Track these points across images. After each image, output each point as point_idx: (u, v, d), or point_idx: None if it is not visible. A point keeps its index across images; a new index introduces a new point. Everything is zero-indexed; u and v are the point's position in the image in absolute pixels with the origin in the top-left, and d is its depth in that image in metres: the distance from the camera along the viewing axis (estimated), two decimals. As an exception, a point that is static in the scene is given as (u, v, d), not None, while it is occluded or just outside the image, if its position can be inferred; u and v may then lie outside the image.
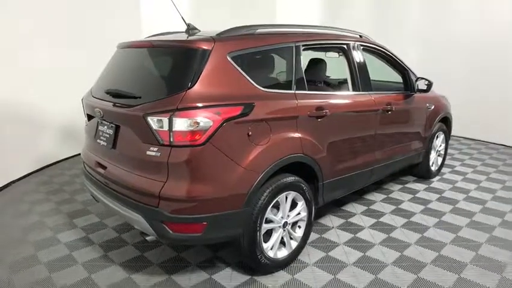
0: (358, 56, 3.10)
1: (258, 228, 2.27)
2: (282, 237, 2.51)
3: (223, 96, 2.13)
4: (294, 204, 2.54)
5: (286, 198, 2.46)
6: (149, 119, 2.04)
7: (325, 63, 3.25)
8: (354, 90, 3.05)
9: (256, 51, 2.41)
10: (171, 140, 2.01)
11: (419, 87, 3.67)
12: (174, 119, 1.99)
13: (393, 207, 3.55)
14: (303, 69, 2.64)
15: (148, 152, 2.09)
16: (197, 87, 2.07)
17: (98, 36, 4.72)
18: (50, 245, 2.84)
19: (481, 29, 5.76)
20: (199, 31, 2.59)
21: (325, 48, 3.11)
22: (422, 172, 4.23)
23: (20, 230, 3.08)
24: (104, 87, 2.52)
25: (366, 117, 3.08)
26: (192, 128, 2.00)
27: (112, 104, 2.34)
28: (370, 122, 3.11)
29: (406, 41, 6.62)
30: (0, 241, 2.92)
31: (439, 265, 2.58)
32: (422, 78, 3.68)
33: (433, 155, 4.24)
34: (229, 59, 2.21)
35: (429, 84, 3.65)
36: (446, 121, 4.36)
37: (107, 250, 2.76)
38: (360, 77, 3.08)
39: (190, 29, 2.60)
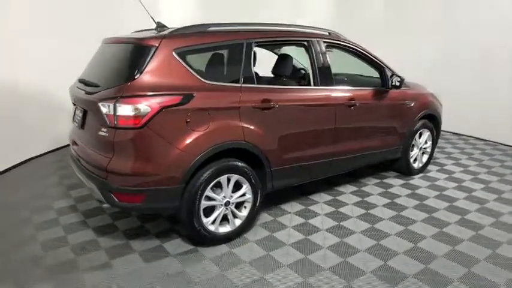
0: (318, 52, 3.28)
1: (196, 203, 2.60)
2: (226, 215, 2.81)
3: (164, 86, 2.46)
4: (240, 186, 2.83)
5: (229, 180, 2.76)
6: (100, 104, 2.44)
7: (291, 58, 3.45)
8: (313, 84, 3.25)
9: (203, 47, 2.71)
10: (116, 122, 2.39)
11: (393, 84, 3.74)
12: (117, 105, 2.36)
13: (359, 199, 3.68)
14: (252, 65, 2.90)
15: (99, 132, 2.49)
16: (141, 79, 2.42)
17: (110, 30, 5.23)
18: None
19: (500, 28, 5.55)
20: (168, 28, 2.93)
21: (283, 45, 3.32)
22: (402, 168, 4.29)
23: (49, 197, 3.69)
24: (82, 77, 2.97)
25: (322, 111, 3.25)
26: (132, 113, 2.36)
27: (84, 92, 2.77)
28: (327, 115, 3.28)
29: (422, 41, 6.56)
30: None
31: (371, 253, 2.74)
32: (396, 75, 3.74)
33: (415, 152, 4.27)
34: (174, 54, 2.54)
35: (400, 81, 3.71)
36: (433, 119, 4.35)
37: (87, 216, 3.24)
38: (320, 72, 3.26)
39: (159, 27, 2.95)
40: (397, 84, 3.73)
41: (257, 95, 2.84)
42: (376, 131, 3.79)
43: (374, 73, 3.86)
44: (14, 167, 4.45)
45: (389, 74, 3.78)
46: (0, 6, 4.10)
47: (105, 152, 2.49)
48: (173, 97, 2.45)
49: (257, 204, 2.95)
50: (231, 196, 2.81)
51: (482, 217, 3.30)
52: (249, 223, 2.96)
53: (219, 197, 2.74)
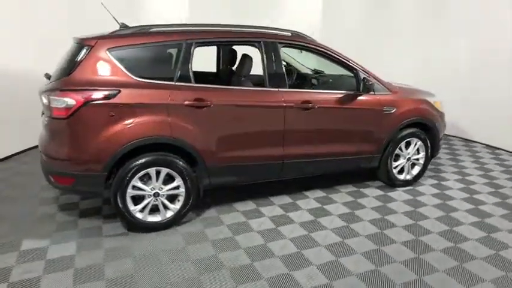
0: (271, 53, 3.24)
1: (122, 191, 2.82)
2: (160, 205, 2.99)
3: (94, 82, 2.71)
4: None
5: (159, 172, 2.92)
6: (43, 96, 2.79)
7: (251, 59, 3.46)
8: (263, 85, 3.23)
9: (139, 47, 2.88)
10: (51, 113, 2.72)
11: (361, 88, 3.51)
12: (50, 97, 2.69)
13: (318, 205, 3.56)
14: (190, 64, 2.98)
15: (44, 121, 2.85)
16: (73, 75, 2.71)
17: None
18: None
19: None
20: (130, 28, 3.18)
21: (230, 45, 3.33)
22: (382, 178, 4.00)
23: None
24: (48, 72, 3.31)
25: (266, 112, 3.21)
26: (61, 105, 2.66)
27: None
28: (274, 117, 3.23)
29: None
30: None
31: (285, 260, 2.68)
32: (366, 79, 3.50)
33: (401, 163, 3.94)
34: (108, 53, 2.77)
35: (368, 85, 3.48)
36: (427, 128, 3.96)
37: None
38: (269, 74, 3.23)
39: (121, 28, 3.22)
40: (365, 88, 3.50)
41: (191, 93, 2.93)
42: (342, 137, 3.60)
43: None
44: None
45: (362, 77, 3.55)
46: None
47: (47, 139, 2.85)
48: (98, 92, 2.69)
49: (191, 198, 3.06)
50: (161, 188, 2.97)
51: (441, 259, 2.74)
52: (183, 215, 3.10)
53: (148, 188, 2.93)
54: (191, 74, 2.98)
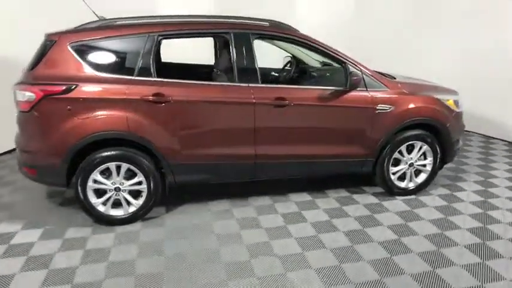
0: (241, 45, 3.02)
1: (82, 184, 2.86)
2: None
3: (53, 77, 2.75)
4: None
5: (120, 167, 2.91)
6: (13, 90, 2.91)
7: (227, 53, 3.23)
8: (230, 80, 3.03)
9: (102, 41, 2.85)
10: (17, 106, 2.83)
11: (349, 84, 3.13)
12: (16, 91, 2.79)
13: (296, 210, 3.29)
14: (152, 57, 2.88)
15: (16, 115, 2.98)
16: (37, 69, 2.78)
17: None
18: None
19: None
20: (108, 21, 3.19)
21: (198, 37, 3.14)
22: (380, 185, 3.57)
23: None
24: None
25: (233, 109, 3.00)
26: (23, 99, 2.75)
27: None
28: (242, 114, 3.02)
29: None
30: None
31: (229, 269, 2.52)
32: (354, 73, 3.10)
33: (400, 168, 3.48)
34: (69, 48, 2.79)
35: (352, 81, 3.09)
36: (436, 130, 3.43)
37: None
38: (239, 68, 3.01)
39: (100, 20, 3.24)
40: (350, 84, 3.12)
41: (149, 88, 2.85)
42: (323, 138, 3.26)
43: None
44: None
45: (350, 71, 3.17)
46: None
47: (17, 131, 2.98)
48: (56, 86, 2.72)
49: (153, 194, 3.01)
50: (122, 183, 2.96)
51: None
52: (146, 212, 3.07)
53: (109, 182, 2.93)
54: (153, 68, 2.89)
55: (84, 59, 2.81)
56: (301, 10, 6.67)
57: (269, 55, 3.86)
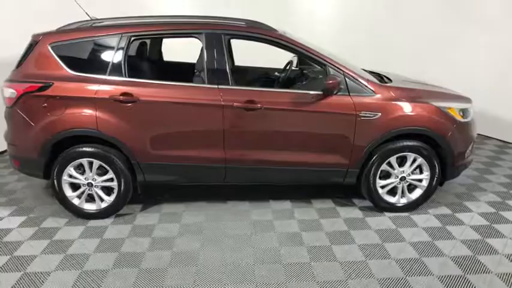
0: (212, 46, 2.94)
1: (57, 177, 3.01)
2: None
3: (34, 75, 2.92)
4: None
5: (92, 163, 3.02)
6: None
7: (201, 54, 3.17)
8: (201, 82, 2.97)
9: (80, 41, 2.96)
10: (5, 102, 3.05)
11: (323, 88, 2.90)
12: (2, 88, 3.02)
13: (268, 218, 3.15)
14: (124, 57, 2.93)
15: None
16: (21, 67, 2.98)
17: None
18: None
19: None
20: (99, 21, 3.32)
21: (171, 38, 3.09)
22: (367, 198, 3.27)
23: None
24: None
25: (201, 111, 2.93)
26: (6, 95, 2.96)
27: None
28: (211, 116, 2.94)
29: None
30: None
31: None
32: (332, 75, 2.86)
33: (390, 181, 3.15)
34: (49, 48, 2.94)
35: (328, 85, 2.85)
36: (434, 142, 3.06)
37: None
38: (209, 69, 2.94)
39: (91, 20, 3.39)
40: (324, 87, 2.90)
41: (118, 88, 2.90)
42: (298, 144, 3.06)
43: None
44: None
45: (331, 73, 2.94)
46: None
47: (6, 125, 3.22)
48: (33, 84, 2.89)
49: (123, 191, 3.07)
50: (94, 179, 3.06)
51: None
52: (117, 208, 3.15)
53: (81, 177, 3.05)
54: (124, 68, 2.95)
55: (62, 59, 2.95)
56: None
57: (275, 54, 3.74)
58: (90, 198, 3.14)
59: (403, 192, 3.21)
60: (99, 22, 3.13)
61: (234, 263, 2.56)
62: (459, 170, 3.30)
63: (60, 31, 3.06)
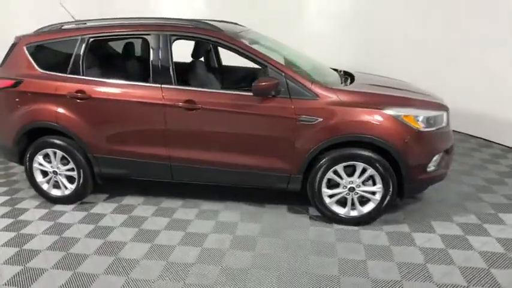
0: (158, 46, 3.04)
1: (29, 163, 3.37)
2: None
3: (9, 73, 3.31)
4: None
5: (56, 153, 3.32)
6: None
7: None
8: (144, 80, 3.12)
9: (49, 42, 3.29)
10: None
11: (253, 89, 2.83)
12: (-12, 84, 3.46)
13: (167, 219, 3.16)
14: (86, 59, 3.19)
15: None
16: (3, 66, 3.39)
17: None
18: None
19: None
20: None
21: (123, 39, 3.21)
22: (313, 206, 3.09)
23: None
24: None
25: (146, 109, 3.05)
26: (-12, 92, 3.40)
27: None
28: (154, 115, 3.04)
29: None
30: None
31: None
32: (261, 79, 2.79)
33: (339, 191, 2.95)
34: (24, 48, 3.31)
35: (256, 87, 2.77)
36: (387, 152, 2.79)
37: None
38: (154, 69, 3.05)
39: (76, 23, 3.71)
40: (253, 89, 2.81)
41: (74, 85, 3.14)
42: (237, 146, 3.02)
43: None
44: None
45: (272, 74, 2.85)
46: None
47: None
48: (8, 81, 3.28)
49: (83, 181, 3.33)
50: (59, 168, 3.36)
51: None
52: (79, 196, 3.43)
53: (48, 166, 3.37)
54: (82, 67, 3.19)
55: (34, 58, 3.30)
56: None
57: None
58: (58, 185, 3.46)
59: (353, 203, 2.98)
60: (77, 24, 3.38)
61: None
62: (421, 185, 2.96)
63: (34, 33, 3.40)
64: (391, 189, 2.87)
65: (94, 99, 3.12)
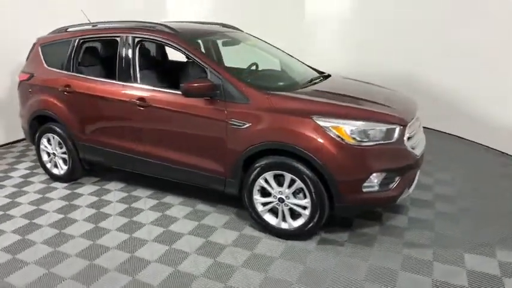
0: (123, 48, 3.34)
1: (37, 146, 4.02)
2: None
3: (29, 68, 4.00)
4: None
5: (54, 138, 3.89)
6: None
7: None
8: (112, 78, 3.44)
9: (53, 43, 3.86)
10: None
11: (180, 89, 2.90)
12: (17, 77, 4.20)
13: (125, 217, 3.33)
14: (76, 58, 3.67)
15: None
16: (27, 62, 4.10)
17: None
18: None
19: None
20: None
21: (103, 41, 3.52)
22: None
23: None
24: None
25: (110, 105, 3.38)
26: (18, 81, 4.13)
27: None
28: (117, 110, 3.35)
29: None
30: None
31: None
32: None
33: (269, 201, 2.83)
34: (39, 48, 3.95)
35: (183, 87, 2.83)
36: (310, 164, 2.59)
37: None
38: (119, 67, 3.35)
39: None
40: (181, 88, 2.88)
41: (64, 80, 3.65)
42: (179, 145, 3.14)
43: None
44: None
45: (210, 75, 2.91)
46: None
47: None
48: (25, 75, 3.96)
49: (72, 163, 3.83)
50: (56, 150, 3.92)
51: None
52: (71, 176, 3.94)
53: (50, 148, 3.97)
54: (72, 65, 3.68)
55: (44, 56, 3.92)
56: None
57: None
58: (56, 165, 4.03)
59: (284, 216, 2.82)
60: (78, 26, 3.90)
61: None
62: (355, 206, 2.65)
63: (48, 34, 4.03)
64: (315, 206, 2.64)
65: (76, 93, 3.58)
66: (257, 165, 2.78)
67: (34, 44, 4.08)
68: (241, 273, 2.47)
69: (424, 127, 3.21)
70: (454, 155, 4.64)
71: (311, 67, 3.94)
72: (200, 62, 3.00)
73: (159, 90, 3.21)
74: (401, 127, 2.63)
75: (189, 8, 7.23)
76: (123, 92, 3.31)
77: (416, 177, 3.00)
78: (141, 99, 3.20)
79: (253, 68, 3.83)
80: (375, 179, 2.58)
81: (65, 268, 2.58)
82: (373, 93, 3.19)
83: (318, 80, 3.38)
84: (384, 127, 2.58)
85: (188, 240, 2.86)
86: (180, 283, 2.40)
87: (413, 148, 2.75)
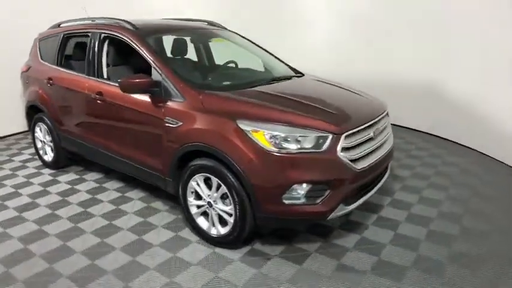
0: (91, 43, 3.45)
1: (32, 133, 4.35)
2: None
3: (29, 61, 4.32)
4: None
5: (44, 127, 4.17)
6: None
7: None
8: (82, 72, 3.56)
9: (46, 38, 4.13)
10: None
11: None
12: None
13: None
14: (60, 52, 3.88)
15: None
16: (29, 57, 4.44)
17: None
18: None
19: None
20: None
21: (83, 37, 3.63)
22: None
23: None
24: None
25: (77, 98, 3.52)
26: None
27: None
28: (81, 104, 3.49)
29: None
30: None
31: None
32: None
33: (200, 203, 2.73)
34: (37, 43, 4.26)
35: (120, 82, 2.81)
36: (226, 164, 2.46)
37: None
38: (88, 62, 3.47)
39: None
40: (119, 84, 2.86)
41: (48, 73, 3.89)
42: (126, 139, 3.19)
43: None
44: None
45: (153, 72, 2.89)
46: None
47: None
48: (25, 67, 4.30)
49: (55, 152, 4.07)
50: (46, 138, 4.19)
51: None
52: (57, 164, 4.18)
53: (41, 136, 4.25)
54: (58, 58, 3.90)
55: (40, 51, 4.22)
56: None
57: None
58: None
59: (213, 221, 2.69)
60: (65, 23, 4.13)
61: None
62: (276, 216, 2.42)
63: (47, 30, 4.31)
64: (238, 213, 2.47)
65: (56, 86, 3.80)
66: (189, 166, 2.69)
67: (35, 39, 4.41)
68: (149, 275, 2.41)
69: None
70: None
71: (289, 66, 3.75)
72: (147, 58, 2.98)
73: (114, 85, 3.26)
74: (335, 135, 2.36)
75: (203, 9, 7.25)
76: (87, 85, 3.43)
77: (370, 194, 2.69)
78: (99, 93, 3.29)
79: (220, 64, 3.79)
80: (300, 190, 2.34)
81: (3, 249, 2.75)
82: (331, 97, 2.93)
83: (280, 80, 3.19)
84: (311, 134, 2.34)
85: (124, 235, 2.88)
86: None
87: (354, 160, 2.45)
